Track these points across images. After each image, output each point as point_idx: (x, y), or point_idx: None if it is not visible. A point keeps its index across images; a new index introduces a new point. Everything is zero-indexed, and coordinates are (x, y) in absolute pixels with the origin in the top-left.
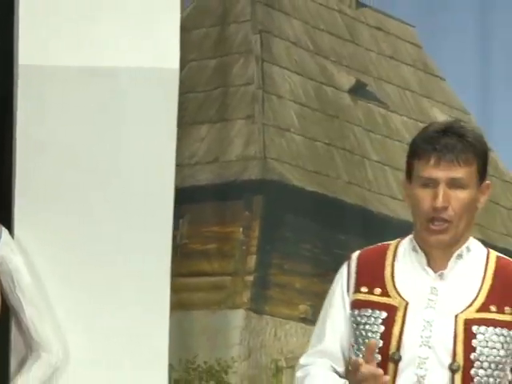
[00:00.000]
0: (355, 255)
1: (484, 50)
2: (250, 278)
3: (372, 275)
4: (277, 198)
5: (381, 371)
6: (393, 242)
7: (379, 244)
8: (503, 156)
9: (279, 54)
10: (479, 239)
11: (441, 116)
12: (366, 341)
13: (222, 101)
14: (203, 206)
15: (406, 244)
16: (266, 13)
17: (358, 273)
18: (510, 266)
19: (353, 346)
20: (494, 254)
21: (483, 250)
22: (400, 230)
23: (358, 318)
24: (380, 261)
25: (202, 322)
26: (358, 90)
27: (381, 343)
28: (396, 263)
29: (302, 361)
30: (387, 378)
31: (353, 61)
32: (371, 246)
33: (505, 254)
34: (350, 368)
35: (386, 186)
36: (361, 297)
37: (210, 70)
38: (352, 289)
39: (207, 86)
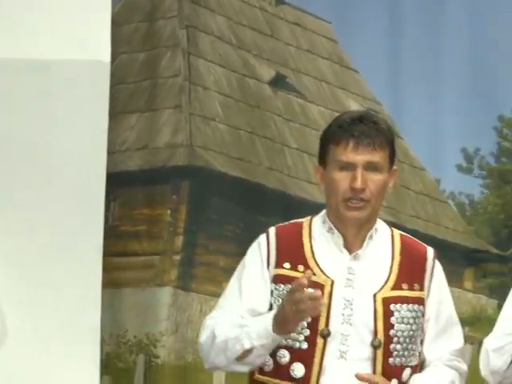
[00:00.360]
0: (272, 231)
1: (394, 45)
2: (177, 258)
3: (293, 252)
4: (202, 182)
5: (319, 293)
6: (304, 220)
7: (291, 221)
8: (412, 144)
9: (204, 47)
10: (391, 221)
11: (355, 106)
12: None
13: (150, 91)
14: (133, 190)
15: (319, 224)
16: (192, 9)
17: (277, 249)
18: (413, 243)
19: None
20: (396, 232)
21: (387, 229)
22: (316, 211)
23: (283, 292)
24: (298, 238)
25: (132, 299)
26: (278, 82)
27: (310, 318)
28: (313, 242)
29: (212, 314)
30: (323, 300)
31: (273, 54)
32: (285, 223)
33: (414, 235)
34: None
35: (304, 171)
36: (284, 272)
37: (139, 62)
38: (273, 263)
39: (137, 77)
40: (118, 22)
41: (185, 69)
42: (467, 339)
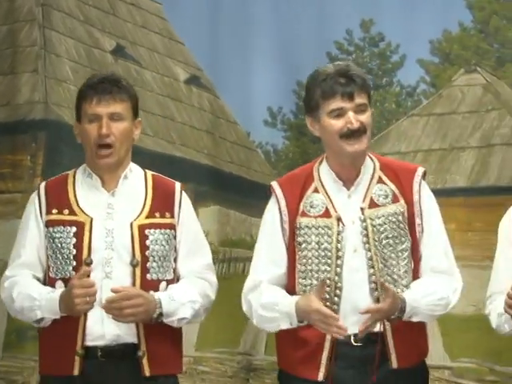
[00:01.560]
0: (42, 185)
1: (212, 21)
2: None
3: (59, 199)
4: (56, 133)
5: (92, 281)
6: (70, 172)
7: (61, 174)
8: (228, 102)
9: (57, 22)
10: (210, 166)
11: (181, 72)
12: (62, 251)
13: (12, 58)
14: (8, 139)
15: (81, 172)
16: None
17: (47, 199)
18: (164, 180)
19: (51, 256)
20: (149, 173)
21: (141, 170)
22: (148, 158)
23: (54, 234)
24: (63, 188)
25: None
26: (118, 52)
27: (74, 251)
28: (77, 188)
29: (7, 272)
30: (93, 283)
31: (114, 29)
32: (54, 177)
33: (229, 177)
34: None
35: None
36: (53, 217)
37: (2, 34)
38: (44, 211)
39: (0, 46)
40: None
41: (40, 40)
42: None
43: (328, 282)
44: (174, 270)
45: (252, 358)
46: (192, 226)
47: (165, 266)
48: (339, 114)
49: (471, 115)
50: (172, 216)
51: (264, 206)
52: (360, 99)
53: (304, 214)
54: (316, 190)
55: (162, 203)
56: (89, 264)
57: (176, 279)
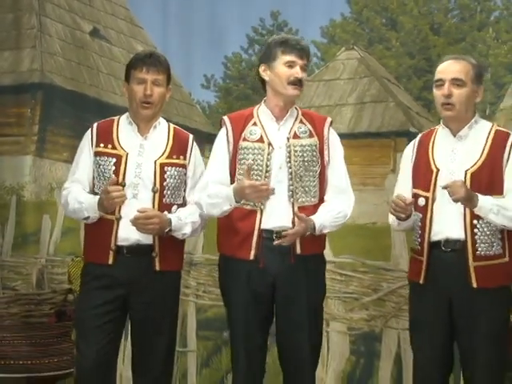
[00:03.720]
0: (95, 125)
1: (165, 10)
2: (35, 138)
3: (105, 137)
4: (50, 93)
5: (120, 187)
6: (116, 118)
7: (109, 118)
8: (175, 70)
9: (49, 11)
10: (164, 117)
11: (141, 48)
12: (105, 175)
13: (16, 38)
14: (7, 97)
15: (124, 119)
16: None
17: (97, 135)
18: (181, 132)
19: (96, 178)
20: (171, 125)
21: (166, 123)
22: (120, 112)
23: (99, 162)
24: (110, 129)
25: (8, 163)
26: (94, 33)
27: (113, 176)
28: (119, 131)
29: (65, 185)
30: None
31: (91, 16)
32: (103, 120)
33: (177, 125)
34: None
35: (111, 86)
36: (100, 149)
37: (9, 20)
38: (94, 145)
39: (8, 28)
40: None
41: (37, 24)
42: None
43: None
44: (183, 198)
45: (193, 256)
46: (198, 168)
47: (176, 194)
48: (291, 65)
49: (349, 81)
50: (185, 159)
51: (201, 148)
52: (305, 61)
53: (245, 139)
54: (255, 124)
55: (178, 149)
56: (123, 186)
57: (184, 204)
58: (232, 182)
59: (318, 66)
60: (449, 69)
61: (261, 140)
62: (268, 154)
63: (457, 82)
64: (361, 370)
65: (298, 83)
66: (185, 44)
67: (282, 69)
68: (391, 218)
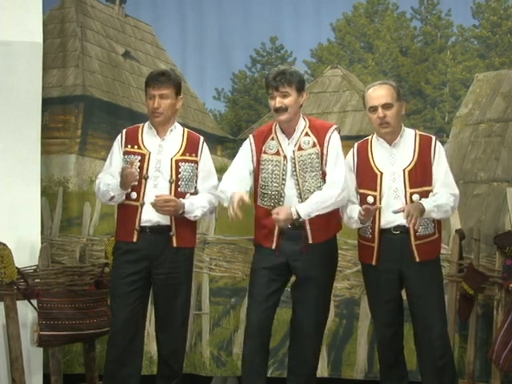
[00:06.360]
0: (124, 130)
1: (183, 36)
2: (78, 140)
3: (132, 139)
4: (90, 103)
5: (133, 170)
6: (140, 124)
7: (134, 125)
8: (191, 85)
9: (89, 37)
10: (181, 123)
11: (164, 67)
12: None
13: (63, 58)
14: (56, 107)
15: (146, 125)
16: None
17: (126, 138)
18: (192, 134)
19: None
20: (186, 129)
21: (181, 128)
22: (142, 120)
23: (127, 159)
24: (136, 133)
25: (60, 160)
26: (126, 55)
27: (138, 170)
28: (144, 134)
29: (99, 175)
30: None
31: (124, 41)
32: (131, 126)
33: (194, 130)
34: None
35: (140, 97)
36: (127, 149)
37: (57, 43)
38: (123, 145)
39: (57, 51)
40: None
41: (80, 47)
42: None
43: (276, 192)
44: (195, 188)
45: (206, 236)
46: (207, 163)
47: (189, 184)
48: (272, 97)
49: (334, 93)
50: (196, 156)
51: (214, 149)
52: (283, 89)
53: (265, 152)
54: (273, 139)
55: (190, 148)
56: (146, 178)
57: (196, 193)
58: (255, 185)
59: (308, 81)
60: (378, 96)
61: (277, 153)
62: (283, 166)
63: (387, 105)
64: (343, 328)
65: (278, 110)
66: (199, 63)
67: (269, 101)
68: (348, 218)
